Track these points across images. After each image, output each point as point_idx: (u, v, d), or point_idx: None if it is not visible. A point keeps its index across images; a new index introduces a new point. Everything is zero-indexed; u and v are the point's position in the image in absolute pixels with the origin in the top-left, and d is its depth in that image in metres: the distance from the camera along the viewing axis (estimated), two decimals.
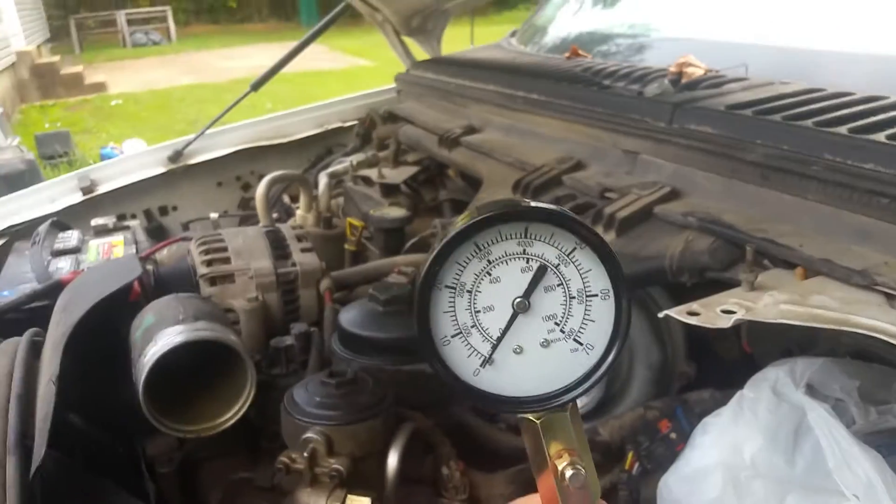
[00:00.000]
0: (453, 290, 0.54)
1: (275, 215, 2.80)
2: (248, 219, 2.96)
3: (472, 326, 0.55)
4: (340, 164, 2.86)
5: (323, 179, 2.72)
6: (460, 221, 0.55)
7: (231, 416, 1.33)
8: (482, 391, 0.56)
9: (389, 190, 2.60)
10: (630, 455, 1.41)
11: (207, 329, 1.34)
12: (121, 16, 21.78)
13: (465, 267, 0.54)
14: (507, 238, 0.55)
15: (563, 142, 1.91)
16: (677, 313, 1.11)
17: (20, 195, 2.67)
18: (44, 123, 11.00)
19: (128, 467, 1.54)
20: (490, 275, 0.55)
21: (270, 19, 27.78)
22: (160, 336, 1.33)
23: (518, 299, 0.55)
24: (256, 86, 2.99)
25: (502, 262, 0.55)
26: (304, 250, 1.89)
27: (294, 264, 1.85)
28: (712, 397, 1.48)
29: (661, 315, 1.13)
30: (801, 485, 1.23)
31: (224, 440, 1.41)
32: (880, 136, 1.29)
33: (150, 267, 2.12)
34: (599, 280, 0.56)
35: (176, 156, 2.99)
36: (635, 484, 1.39)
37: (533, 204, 0.57)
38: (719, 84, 1.77)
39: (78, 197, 2.75)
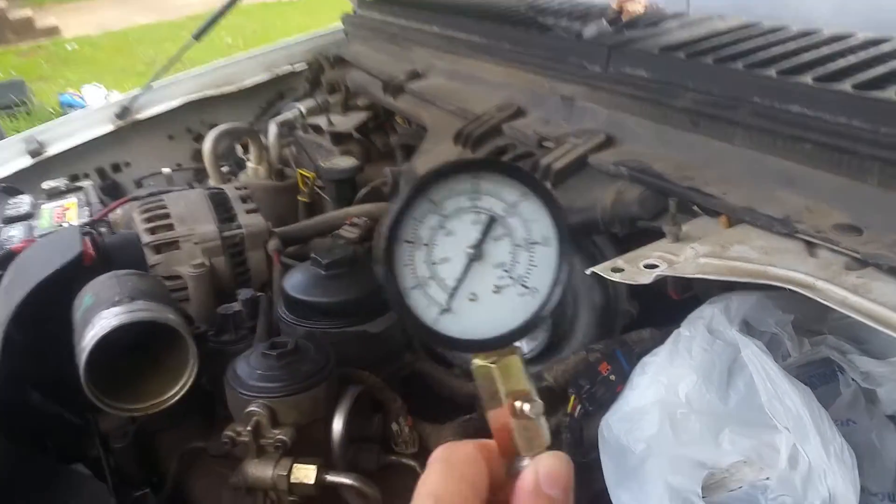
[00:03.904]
0: (412, 245, 0.58)
1: (226, 168, 2.78)
2: (201, 171, 2.94)
3: (430, 278, 0.58)
4: (290, 112, 2.81)
5: (272, 129, 2.68)
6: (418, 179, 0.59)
7: (175, 392, 1.35)
8: (444, 335, 0.59)
9: (340, 138, 2.58)
10: (572, 399, 1.44)
11: (145, 309, 1.34)
12: None
13: (421, 222, 0.58)
14: (458, 194, 0.58)
15: (505, 87, 1.89)
16: (602, 270, 1.12)
17: None
18: None
19: (85, 441, 1.56)
20: (444, 228, 0.58)
21: None
22: (97, 319, 1.33)
23: (472, 248, 0.59)
24: (199, 35, 2.91)
25: (455, 217, 0.58)
26: (249, 211, 1.88)
27: (239, 226, 1.84)
28: (651, 336, 1.50)
29: (588, 272, 1.14)
30: (735, 419, 1.28)
31: (177, 410, 1.42)
32: (808, 78, 1.28)
33: (103, 229, 2.12)
34: (542, 228, 0.60)
35: (123, 112, 2.93)
36: (577, 426, 1.43)
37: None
38: (657, 22, 1.75)
39: (27, 160, 2.71)
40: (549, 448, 0.61)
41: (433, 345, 1.56)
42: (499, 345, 0.60)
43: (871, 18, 1.62)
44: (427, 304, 0.58)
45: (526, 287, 0.61)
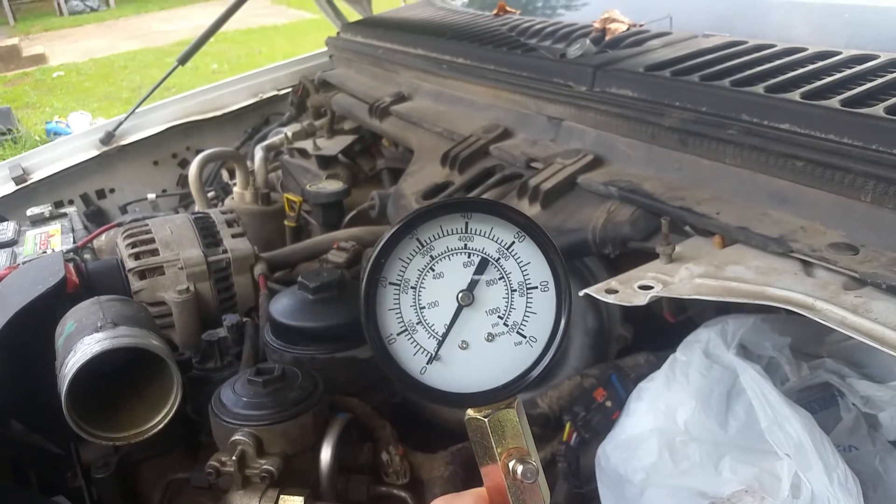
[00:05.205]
0: (398, 287, 0.55)
1: (211, 194, 2.75)
2: (187, 197, 2.91)
3: (418, 323, 0.55)
4: (276, 136, 2.80)
5: (258, 153, 2.66)
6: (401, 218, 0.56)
7: (158, 421, 1.31)
8: (430, 388, 0.56)
9: (326, 162, 2.56)
10: (568, 426, 1.41)
11: (127, 336, 1.30)
12: None
13: (408, 263, 0.55)
14: (448, 233, 0.55)
15: (491, 108, 1.88)
16: (596, 292, 1.10)
17: None
18: None
19: (67, 471, 1.52)
20: (433, 270, 0.55)
21: None
22: (79, 345, 1.30)
23: (462, 292, 0.55)
24: (184, 59, 2.90)
25: (445, 258, 0.55)
26: (235, 236, 1.86)
27: (225, 251, 1.81)
28: (647, 361, 1.48)
29: (581, 294, 1.12)
30: (735, 446, 1.25)
31: (161, 439, 1.38)
32: (795, 95, 1.28)
33: (87, 256, 2.08)
34: (539, 272, 0.57)
35: (108, 137, 2.91)
36: (574, 454, 1.40)
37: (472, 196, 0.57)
38: (641, 41, 1.75)
39: (11, 187, 2.68)
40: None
41: (419, 398, 1.44)
42: (491, 399, 0.57)
43: (851, 35, 1.62)
44: (414, 353, 0.55)
45: (522, 335, 0.57)
